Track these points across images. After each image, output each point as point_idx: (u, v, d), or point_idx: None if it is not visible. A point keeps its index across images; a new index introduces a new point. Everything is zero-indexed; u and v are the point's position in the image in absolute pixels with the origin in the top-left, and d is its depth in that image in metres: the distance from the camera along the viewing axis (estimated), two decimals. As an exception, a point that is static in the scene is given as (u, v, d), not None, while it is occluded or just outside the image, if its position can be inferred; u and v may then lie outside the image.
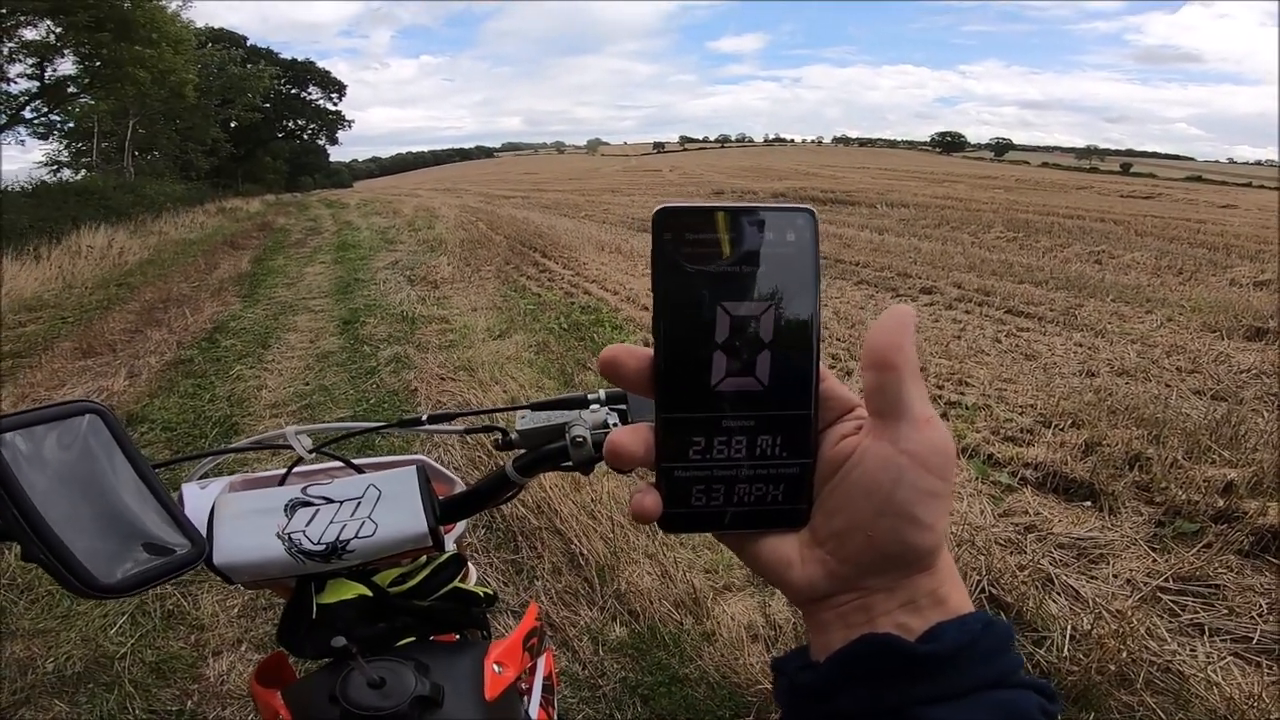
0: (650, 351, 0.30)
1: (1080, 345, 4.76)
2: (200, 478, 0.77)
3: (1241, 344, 4.86)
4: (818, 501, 0.31)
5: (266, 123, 37.00)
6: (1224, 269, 8.01)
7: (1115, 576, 2.18)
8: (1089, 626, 1.87)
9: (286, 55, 44.44)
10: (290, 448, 0.74)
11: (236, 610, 2.07)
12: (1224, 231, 12.22)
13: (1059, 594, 2.06)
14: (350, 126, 48.44)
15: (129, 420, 3.42)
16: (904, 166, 38.46)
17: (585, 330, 4.93)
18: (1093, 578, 2.18)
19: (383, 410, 3.54)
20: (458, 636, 0.80)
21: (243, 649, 1.93)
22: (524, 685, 0.76)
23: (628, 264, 7.92)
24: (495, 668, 0.67)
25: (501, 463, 0.67)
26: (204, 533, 0.60)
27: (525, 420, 0.67)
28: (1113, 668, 1.73)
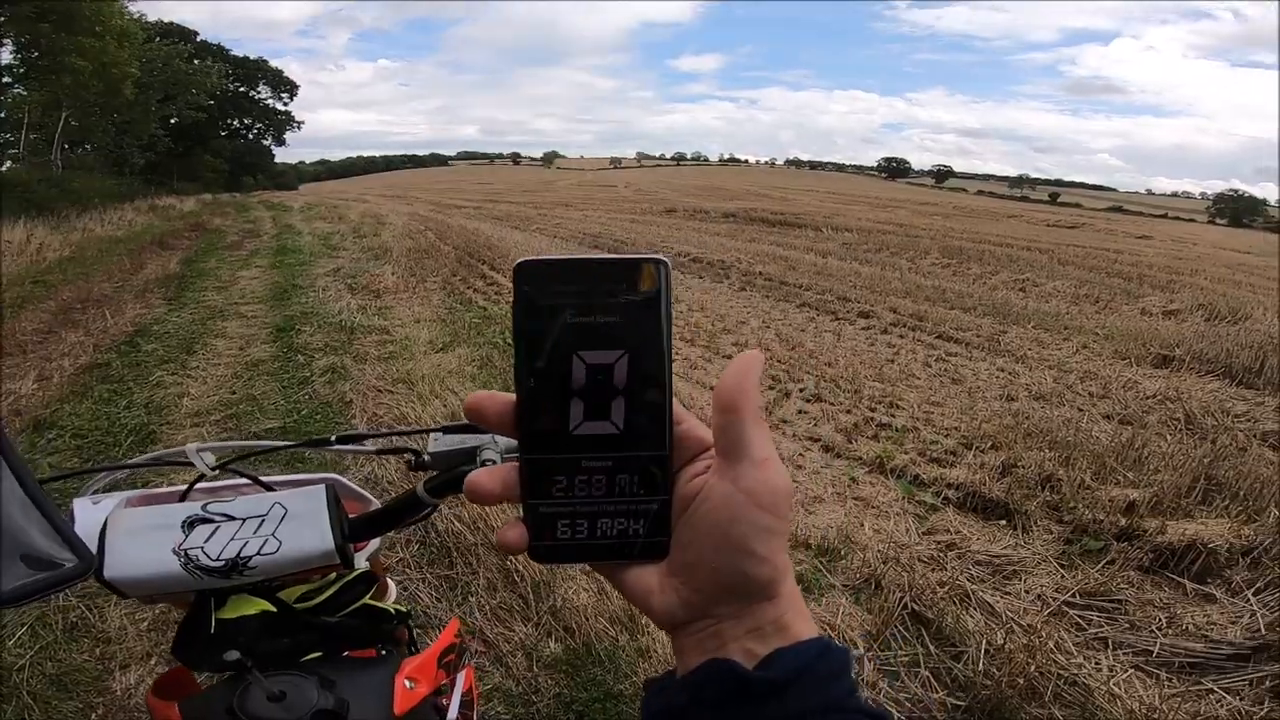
0: (513, 397, 0.32)
1: (1003, 370, 5.00)
2: (93, 493, 0.75)
3: (1149, 370, 5.22)
4: (674, 535, 0.33)
5: (210, 120, 35.57)
6: (1136, 298, 8.60)
7: (1027, 592, 2.29)
8: (1002, 641, 1.95)
9: (239, 52, 42.83)
10: (186, 465, 0.72)
11: (146, 624, 1.98)
12: (1139, 262, 13.13)
13: (975, 609, 2.15)
14: (299, 128, 47.02)
15: (35, 425, 3.22)
16: (851, 190, 39.94)
17: None
18: (1006, 593, 2.28)
19: (314, 422, 3.43)
20: (378, 653, 0.79)
21: (153, 663, 1.85)
22: (443, 701, 0.77)
23: None
24: (407, 683, 0.67)
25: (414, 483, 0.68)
26: (94, 548, 0.59)
27: (438, 443, 0.67)
28: (1022, 681, 1.79)
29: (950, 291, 8.13)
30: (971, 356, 5.36)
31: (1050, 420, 3.81)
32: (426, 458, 0.67)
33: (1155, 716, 1.73)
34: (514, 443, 0.65)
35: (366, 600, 0.74)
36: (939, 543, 2.58)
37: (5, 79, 15.03)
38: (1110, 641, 2.05)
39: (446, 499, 0.67)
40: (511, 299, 0.30)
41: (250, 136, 43.97)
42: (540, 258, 0.30)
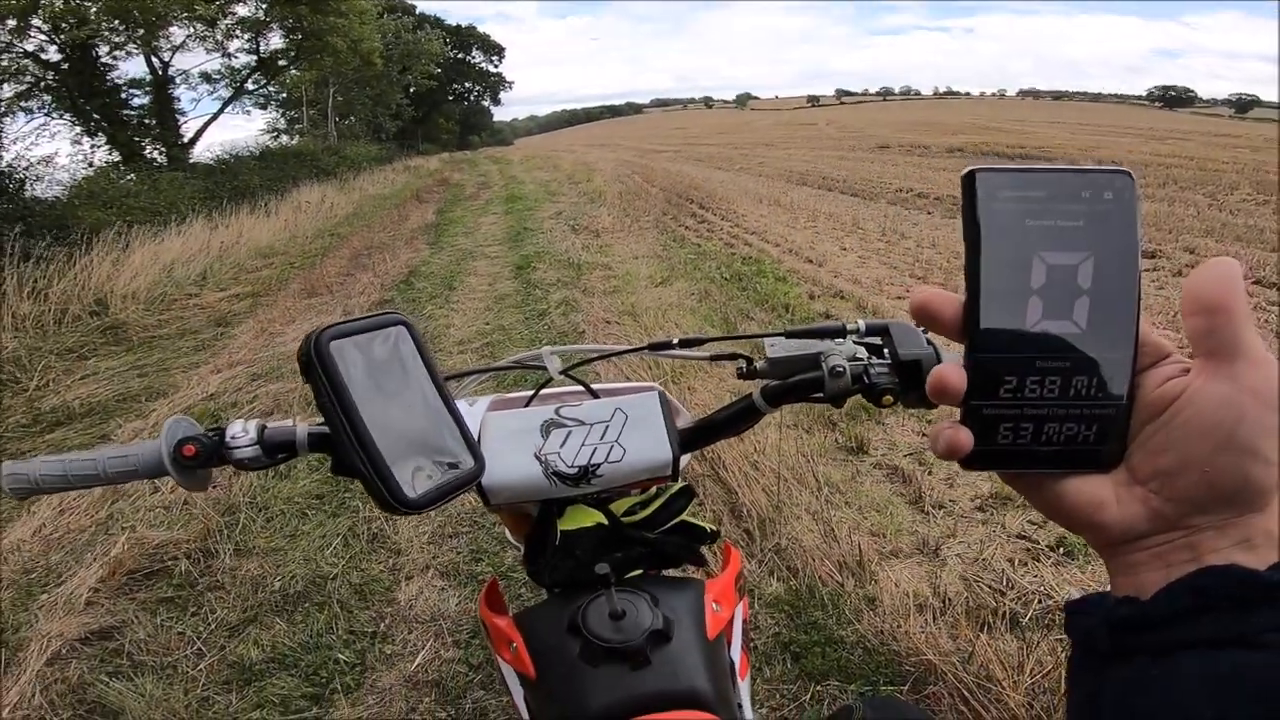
0: (959, 296, 0.31)
1: (1355, 327, 3.89)
2: (468, 395, 0.80)
3: None
4: (1138, 442, 0.31)
5: (440, 87, 39.46)
6: None
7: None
8: None
9: (450, 22, 46.68)
10: (542, 369, 0.76)
11: (427, 536, 2.18)
12: None
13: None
14: (511, 87, 50.50)
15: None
16: (1111, 122, 32.73)
17: (747, 280, 4.89)
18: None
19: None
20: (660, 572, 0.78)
21: (429, 575, 2.02)
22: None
23: (788, 217, 7.68)
24: (714, 606, 0.65)
25: (749, 392, 0.65)
26: None
27: (776, 348, 0.64)
28: None
29: (1272, 231, 6.45)
30: (1309, 308, 4.25)
31: None
32: (760, 364, 0.65)
33: None
34: (852, 351, 0.61)
35: (684, 516, 0.72)
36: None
37: (281, 61, 16.94)
38: None
39: (781, 408, 0.64)
40: (962, 203, 0.30)
41: (472, 99, 48.07)
42: (995, 166, 0.30)
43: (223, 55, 15.25)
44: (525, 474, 0.63)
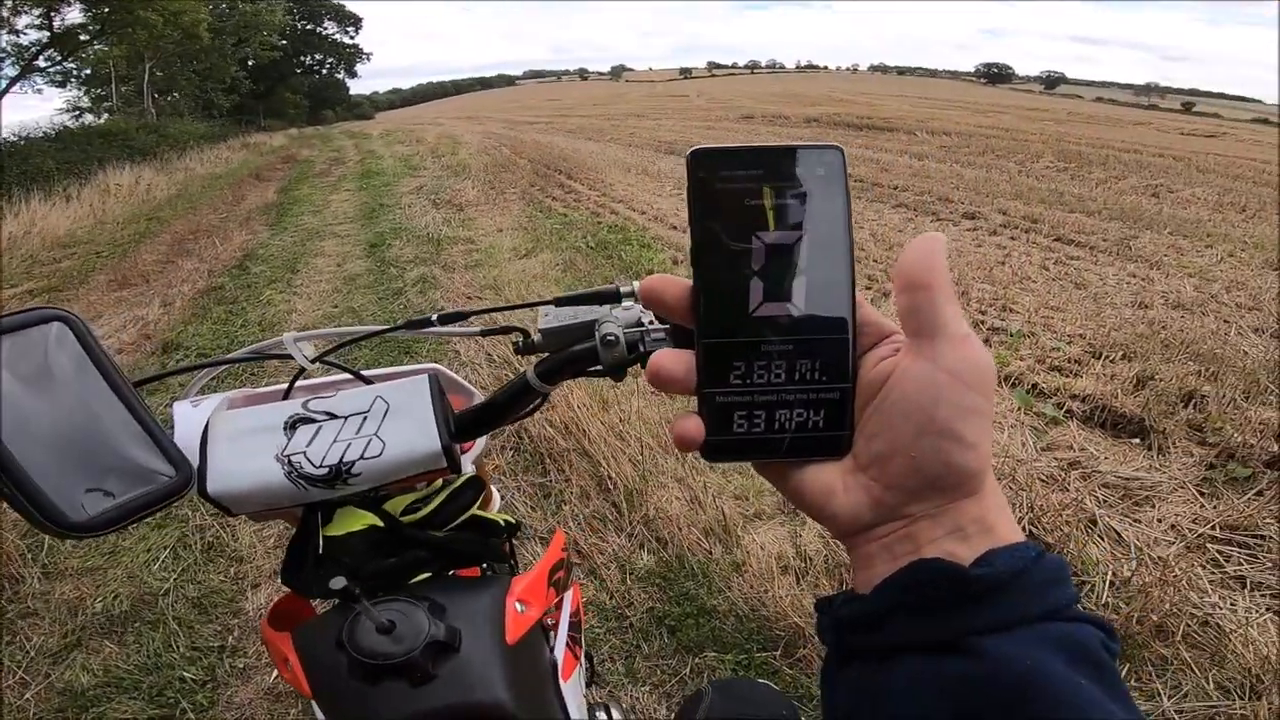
0: (688, 281, 0.31)
1: (1134, 276, 4.53)
2: (196, 394, 0.69)
3: (1307, 282, 4.56)
4: (859, 426, 0.31)
5: (285, 59, 36.44)
6: (1289, 208, 7.45)
7: (1160, 521, 2.08)
8: (1129, 574, 1.80)
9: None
10: (286, 358, 0.65)
11: (272, 540, 2.05)
12: (1291, 173, 11.31)
13: (1101, 537, 1.97)
14: (369, 59, 47.79)
15: (164, 347, 3.47)
16: (945, 96, 36.08)
17: (613, 248, 4.91)
18: (1136, 521, 2.08)
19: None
20: (481, 570, 0.73)
21: (279, 581, 1.94)
22: (550, 621, 0.71)
23: (655, 185, 7.79)
24: (518, 606, 0.60)
25: (523, 369, 0.59)
26: (196, 457, 0.54)
27: (549, 318, 0.59)
28: (1154, 618, 1.65)
29: (1069, 195, 7.36)
30: (1096, 261, 4.87)
31: (1192, 331, 3.41)
32: (536, 338, 0.59)
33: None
34: (636, 316, 0.54)
35: (474, 511, 0.66)
36: (1060, 460, 2.38)
37: (83, 36, 15.52)
38: (1249, 581, 1.84)
39: (560, 384, 0.59)
40: (686, 185, 0.30)
41: (324, 71, 45.14)
42: (713, 145, 0.30)
43: (9, 32, 13.47)
44: (263, 479, 0.55)
